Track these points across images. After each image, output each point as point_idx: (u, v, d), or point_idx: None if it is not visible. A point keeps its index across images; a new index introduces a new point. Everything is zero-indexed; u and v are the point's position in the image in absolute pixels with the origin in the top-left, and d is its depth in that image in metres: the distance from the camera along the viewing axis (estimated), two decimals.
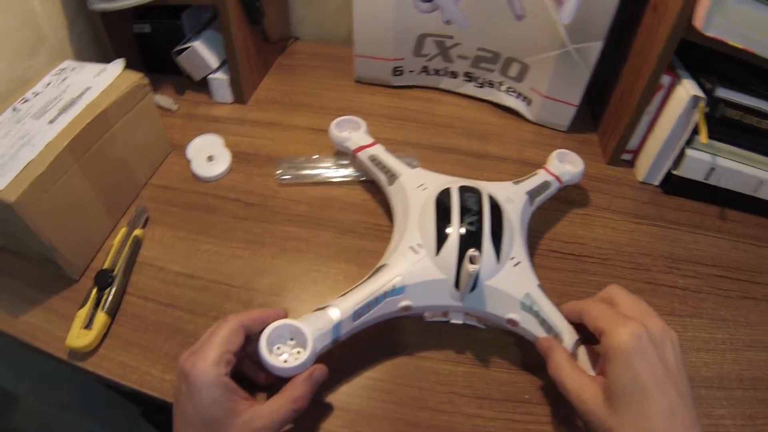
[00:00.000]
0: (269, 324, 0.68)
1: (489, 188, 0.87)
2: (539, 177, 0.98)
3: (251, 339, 0.68)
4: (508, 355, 0.82)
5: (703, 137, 0.97)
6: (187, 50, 1.21)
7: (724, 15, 0.87)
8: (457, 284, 0.76)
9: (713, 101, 0.98)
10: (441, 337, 0.84)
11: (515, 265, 0.79)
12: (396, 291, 0.75)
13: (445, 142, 1.21)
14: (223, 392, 0.61)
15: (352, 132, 1.08)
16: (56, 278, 0.89)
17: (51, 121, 0.84)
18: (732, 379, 0.82)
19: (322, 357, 0.70)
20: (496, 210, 0.82)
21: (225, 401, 0.61)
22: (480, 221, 0.79)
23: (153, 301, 0.87)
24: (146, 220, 0.99)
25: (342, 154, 1.12)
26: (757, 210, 1.08)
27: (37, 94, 0.90)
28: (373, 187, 1.07)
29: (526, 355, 0.82)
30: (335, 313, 0.71)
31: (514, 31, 1.15)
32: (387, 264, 0.78)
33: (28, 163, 0.77)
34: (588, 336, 0.68)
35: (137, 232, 0.94)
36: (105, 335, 0.82)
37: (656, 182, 1.13)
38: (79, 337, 0.78)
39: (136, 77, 0.96)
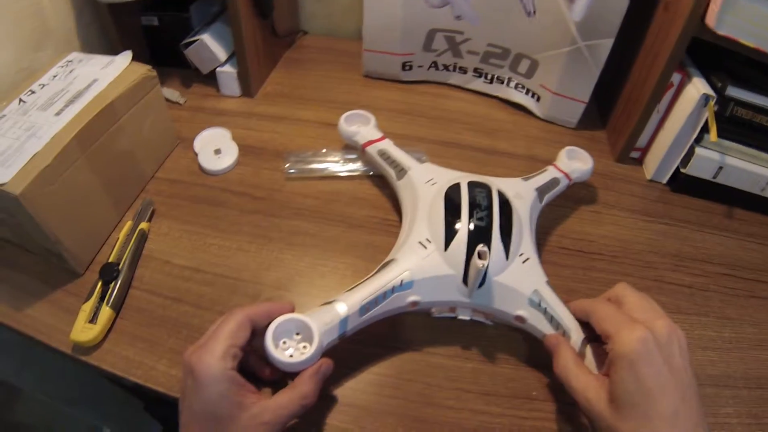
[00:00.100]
0: (275, 318, 0.67)
1: (498, 184, 0.87)
2: (548, 173, 0.98)
3: (257, 333, 0.68)
4: (516, 352, 0.82)
5: (712, 136, 0.96)
6: (196, 43, 1.20)
7: (736, 14, 0.87)
8: (465, 280, 0.75)
9: (723, 100, 0.98)
10: (448, 333, 0.84)
11: (524, 261, 0.79)
12: (404, 286, 0.75)
13: (454, 137, 1.21)
14: (230, 386, 0.61)
15: (361, 126, 1.08)
16: (61, 271, 0.88)
17: (57, 113, 0.84)
18: (738, 378, 0.82)
19: (328, 352, 0.70)
20: (505, 206, 0.82)
21: (232, 395, 0.61)
22: (489, 217, 0.79)
23: (158, 295, 0.87)
24: (152, 214, 0.99)
25: (350, 148, 1.12)
26: (765, 209, 1.08)
27: (43, 86, 0.90)
28: (381, 182, 1.07)
29: (534, 351, 0.82)
30: (342, 307, 0.71)
31: (524, 28, 1.15)
32: (395, 259, 0.77)
33: (34, 155, 0.77)
34: (595, 333, 0.67)
35: (143, 225, 0.94)
36: (110, 329, 0.81)
37: (664, 180, 1.13)
38: (83, 331, 0.78)
39: (143, 69, 0.96)
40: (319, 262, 0.93)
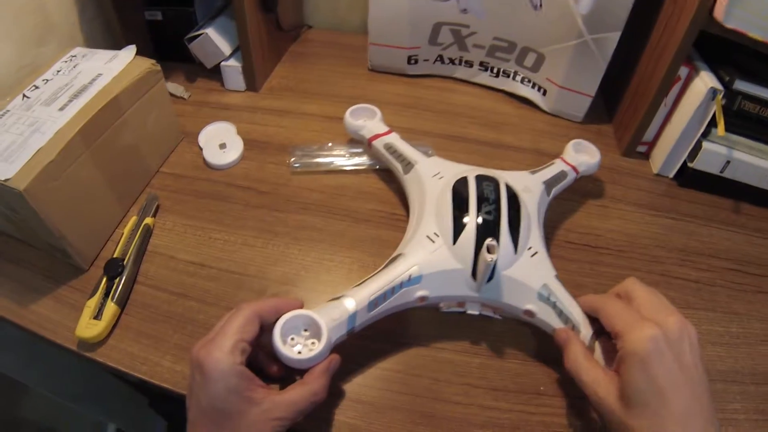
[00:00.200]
0: (283, 314, 0.67)
1: (506, 177, 0.86)
2: (556, 167, 0.98)
3: (265, 329, 0.67)
4: (524, 347, 0.82)
5: (720, 129, 0.96)
6: (200, 37, 1.20)
7: (744, 6, 0.86)
8: (474, 274, 0.75)
9: (731, 94, 0.97)
10: (456, 328, 0.83)
11: (532, 255, 0.78)
12: (413, 281, 0.74)
13: (460, 131, 1.21)
14: (240, 381, 0.60)
15: (367, 120, 1.07)
16: (65, 267, 0.88)
17: (61, 108, 0.84)
18: (746, 374, 0.81)
19: (336, 348, 0.70)
20: (513, 199, 0.82)
21: (242, 390, 0.60)
22: (497, 210, 0.78)
23: (164, 290, 0.87)
24: (157, 209, 0.98)
25: (356, 142, 1.12)
26: None
27: (47, 82, 0.90)
28: (387, 176, 1.06)
29: (542, 346, 0.82)
30: (350, 303, 0.70)
31: (530, 21, 1.14)
32: (403, 253, 0.77)
33: (38, 151, 0.77)
34: (603, 328, 0.67)
35: (148, 220, 0.94)
36: (114, 325, 0.81)
37: (671, 174, 1.12)
38: (88, 327, 0.78)
39: (147, 63, 0.96)
40: (325, 257, 0.93)
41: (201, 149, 1.10)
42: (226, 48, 1.23)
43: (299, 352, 0.66)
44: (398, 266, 0.75)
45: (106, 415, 1.59)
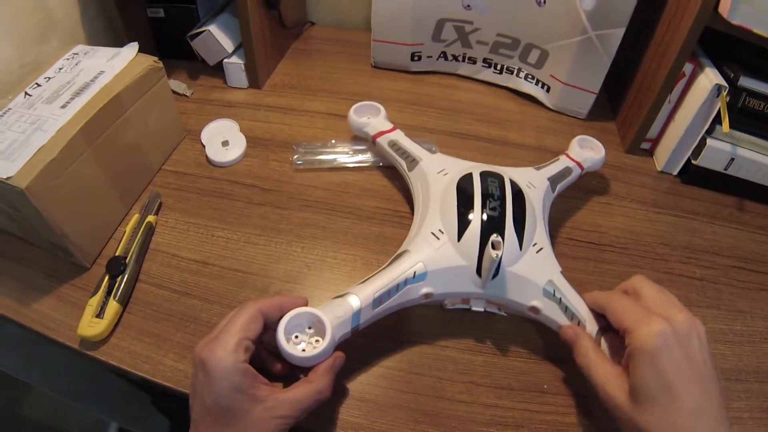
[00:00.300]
0: (287, 312, 0.66)
1: (510, 174, 0.86)
2: (561, 163, 0.97)
3: (268, 327, 0.67)
4: (527, 345, 0.82)
5: (725, 127, 0.95)
6: (202, 34, 1.20)
7: (749, 3, 0.86)
8: (479, 271, 0.75)
9: (736, 90, 0.97)
10: (460, 326, 0.83)
11: (537, 251, 0.78)
12: (417, 278, 0.74)
13: (464, 128, 1.21)
14: (243, 379, 0.60)
15: (371, 117, 1.07)
16: (67, 266, 0.88)
17: (63, 106, 0.83)
18: (750, 372, 0.81)
19: (340, 346, 0.69)
20: (518, 196, 0.81)
21: (246, 388, 0.60)
22: (502, 207, 0.78)
23: (166, 288, 0.87)
24: (159, 207, 0.98)
25: (359, 139, 1.11)
26: None
27: (49, 79, 0.89)
28: (391, 173, 1.06)
29: (546, 344, 0.81)
30: (355, 300, 0.70)
31: (534, 17, 1.14)
32: (408, 250, 0.77)
33: (39, 149, 0.76)
34: (609, 324, 0.67)
35: (150, 218, 0.93)
36: (117, 324, 0.81)
37: (675, 172, 1.12)
38: (90, 325, 0.78)
39: (150, 61, 0.95)
40: (329, 255, 0.93)
41: (204, 147, 1.10)
42: (228, 45, 1.23)
43: (303, 350, 0.66)
44: (403, 263, 0.75)
45: (108, 414, 1.59)
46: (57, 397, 1.41)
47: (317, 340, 0.67)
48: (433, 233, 0.78)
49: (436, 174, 0.89)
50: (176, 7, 1.25)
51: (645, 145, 1.17)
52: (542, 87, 1.26)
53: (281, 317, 0.66)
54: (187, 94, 1.25)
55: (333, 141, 1.12)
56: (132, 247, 0.88)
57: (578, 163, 0.98)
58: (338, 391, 0.73)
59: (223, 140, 1.10)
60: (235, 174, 1.06)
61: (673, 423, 0.55)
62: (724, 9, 0.88)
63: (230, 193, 1.02)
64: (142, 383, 0.79)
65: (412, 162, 0.95)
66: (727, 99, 0.96)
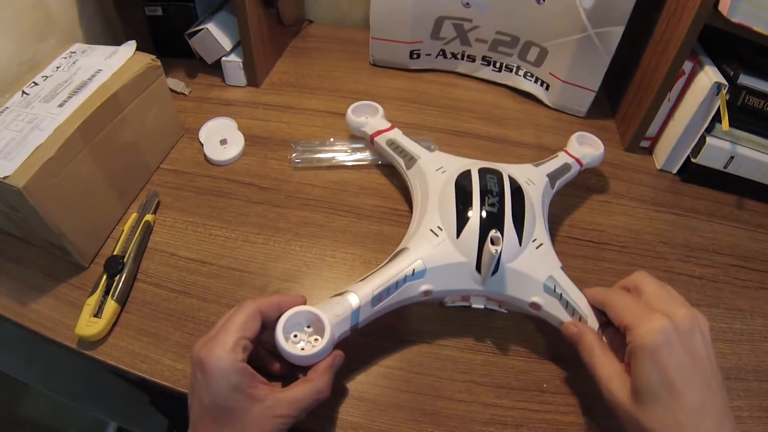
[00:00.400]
0: (286, 310, 0.66)
1: (509, 170, 0.86)
2: (560, 159, 0.97)
3: (267, 326, 0.67)
4: (527, 344, 0.82)
5: (724, 125, 0.95)
6: (200, 32, 1.19)
7: (749, 0, 0.86)
8: (478, 267, 0.75)
9: (735, 88, 0.97)
10: (459, 324, 0.83)
11: (537, 247, 0.78)
12: (416, 275, 0.74)
13: (463, 126, 1.21)
14: (242, 378, 0.60)
15: (369, 117, 1.07)
16: (65, 265, 0.88)
17: (61, 105, 0.83)
18: (749, 371, 0.81)
19: (339, 345, 0.69)
20: (517, 192, 0.81)
21: (244, 387, 0.60)
22: (501, 203, 0.78)
23: (164, 288, 0.86)
24: (157, 205, 0.98)
25: (358, 138, 1.11)
26: None
27: (46, 78, 0.89)
28: (389, 171, 1.06)
29: (545, 343, 0.81)
30: (354, 298, 0.70)
31: (533, 15, 1.14)
32: (407, 248, 0.76)
33: (37, 148, 0.76)
34: (610, 320, 0.67)
35: (148, 217, 0.93)
36: (115, 323, 0.81)
37: (674, 170, 1.12)
38: (88, 325, 0.77)
39: (147, 59, 0.95)
40: (327, 254, 0.92)
41: (202, 145, 1.10)
42: (226, 43, 1.23)
43: (302, 349, 0.66)
44: (402, 261, 0.74)
45: (106, 413, 1.59)
46: (55, 397, 1.41)
47: (316, 339, 0.67)
48: (431, 230, 0.78)
49: (435, 172, 0.89)
50: (174, 5, 1.24)
51: (644, 144, 1.16)
52: (541, 85, 1.26)
53: (279, 316, 0.66)
54: (185, 93, 1.25)
55: (331, 139, 1.12)
56: (130, 246, 0.88)
57: (577, 160, 0.98)
58: (337, 391, 0.73)
59: (222, 139, 1.10)
60: (234, 172, 1.06)
61: (676, 421, 0.55)
62: (723, 7, 0.87)
63: (228, 191, 1.02)
64: (141, 382, 0.79)
65: (411, 160, 0.94)
66: (727, 97, 0.96)
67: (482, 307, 0.77)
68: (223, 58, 1.24)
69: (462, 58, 1.33)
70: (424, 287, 0.74)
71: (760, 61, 0.98)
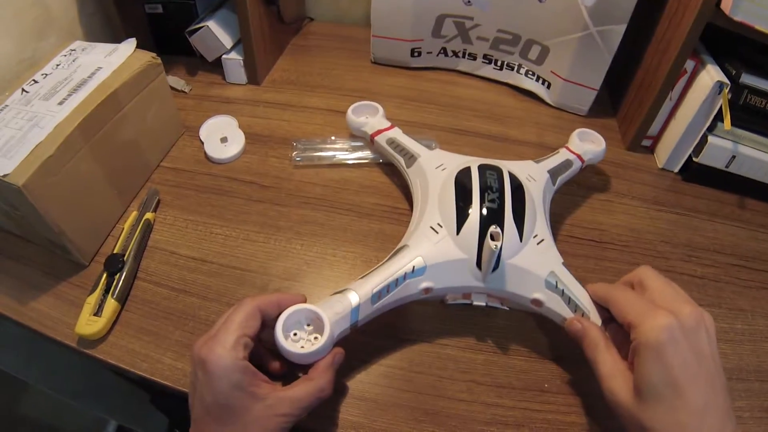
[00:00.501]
0: (286, 309, 0.66)
1: (510, 167, 0.86)
2: (561, 156, 0.97)
3: (266, 325, 0.67)
4: (528, 343, 0.81)
5: (726, 124, 0.95)
6: (201, 30, 1.19)
7: None
8: (479, 263, 0.74)
9: (737, 88, 0.97)
10: (460, 323, 0.83)
11: (538, 243, 0.78)
12: (416, 272, 0.73)
13: (464, 124, 1.20)
14: (243, 376, 0.60)
15: (369, 117, 1.07)
16: (65, 263, 0.88)
17: (60, 103, 0.83)
18: (750, 371, 0.81)
19: (339, 343, 0.69)
20: (517, 188, 0.81)
21: (246, 385, 0.60)
22: (501, 199, 0.78)
23: (164, 286, 0.86)
24: (157, 204, 0.98)
25: (358, 136, 1.11)
26: None
27: (46, 76, 0.89)
28: (390, 170, 1.06)
29: (547, 342, 0.81)
30: (354, 296, 0.69)
31: (535, 13, 1.14)
32: (407, 245, 0.76)
33: (36, 146, 0.76)
34: (613, 316, 0.66)
35: (148, 215, 0.93)
36: (115, 322, 0.80)
37: (676, 169, 1.12)
38: (88, 324, 0.77)
39: (148, 57, 0.95)
40: (328, 252, 0.92)
41: (202, 143, 1.10)
42: (227, 41, 1.22)
43: (302, 347, 0.65)
44: (402, 258, 0.74)
45: (106, 412, 1.59)
46: (55, 396, 1.41)
47: (316, 337, 0.66)
48: (432, 227, 0.78)
49: (435, 169, 0.89)
50: (174, 2, 1.24)
51: (646, 143, 1.16)
52: (543, 83, 1.26)
53: (279, 314, 0.65)
54: (186, 90, 1.24)
55: (332, 137, 1.12)
56: (130, 245, 0.88)
57: (578, 156, 0.98)
58: (338, 390, 0.73)
59: (222, 137, 1.09)
60: (234, 171, 1.06)
61: (679, 421, 0.54)
62: (726, 5, 0.87)
63: (229, 190, 1.02)
64: (141, 381, 0.79)
65: (411, 158, 0.94)
66: (729, 96, 0.96)
67: (483, 304, 0.77)
68: (224, 56, 1.24)
69: (463, 56, 1.33)
70: (424, 284, 0.74)
71: (762, 60, 0.98)
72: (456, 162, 0.88)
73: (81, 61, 0.92)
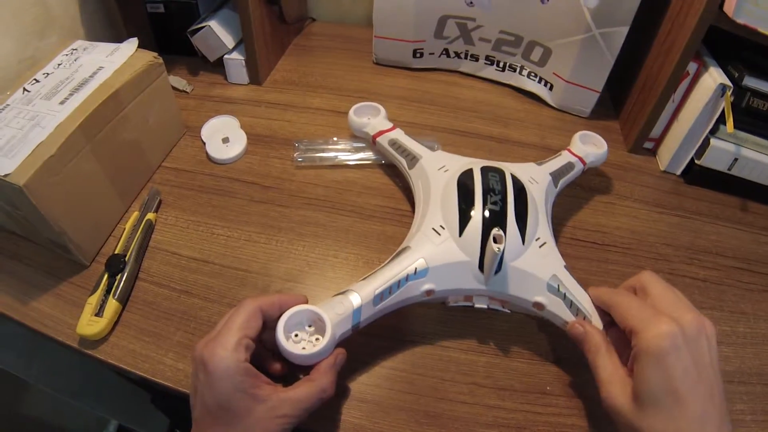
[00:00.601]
0: (287, 309, 0.66)
1: (512, 169, 0.85)
2: (563, 158, 0.97)
3: (268, 326, 0.66)
4: (530, 346, 0.81)
5: (729, 127, 0.95)
6: (203, 30, 1.19)
7: (755, 2, 0.86)
8: (481, 266, 0.74)
9: (740, 90, 0.96)
10: (462, 326, 0.83)
11: (541, 246, 0.77)
12: (419, 274, 0.73)
13: (466, 126, 1.20)
14: (245, 378, 0.59)
15: (371, 118, 1.07)
16: (66, 263, 0.88)
17: (62, 102, 0.83)
18: (752, 374, 0.81)
19: (340, 345, 0.69)
20: (520, 190, 0.81)
21: (247, 387, 0.59)
22: (504, 201, 0.77)
23: (166, 287, 0.86)
24: (159, 204, 0.97)
25: (360, 137, 1.11)
26: None
27: (48, 75, 0.89)
28: (392, 171, 1.06)
29: (549, 345, 0.81)
30: (356, 298, 0.69)
31: (537, 14, 1.13)
32: (409, 246, 0.76)
33: (38, 145, 0.76)
34: (614, 320, 0.66)
35: (150, 215, 0.93)
36: (116, 322, 0.80)
37: (678, 171, 1.11)
38: (89, 324, 0.77)
39: (149, 57, 0.95)
40: (330, 253, 0.92)
41: (204, 143, 1.09)
42: (229, 41, 1.22)
43: (303, 348, 0.65)
44: (404, 259, 0.74)
45: (107, 412, 1.59)
46: (56, 395, 1.41)
47: (317, 339, 0.66)
48: (434, 229, 0.77)
49: (437, 171, 0.88)
50: (176, 2, 1.24)
51: (648, 145, 1.16)
52: (545, 85, 1.26)
53: (281, 315, 0.65)
54: (187, 90, 1.24)
55: (334, 138, 1.11)
56: (131, 245, 0.87)
57: (580, 158, 0.98)
58: (339, 392, 0.73)
59: (224, 137, 1.09)
60: (236, 171, 1.05)
61: (678, 428, 0.54)
62: (729, 8, 0.87)
63: (230, 190, 1.02)
64: (142, 382, 0.79)
65: (413, 160, 0.94)
66: (732, 99, 0.96)
67: (485, 307, 0.77)
68: (226, 56, 1.24)
69: (465, 58, 1.33)
70: (426, 286, 0.74)
71: (765, 63, 0.98)
72: (458, 164, 0.87)
73: (82, 61, 0.92)
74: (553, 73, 1.22)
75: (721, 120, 0.98)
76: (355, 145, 1.10)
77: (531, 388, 0.77)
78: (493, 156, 1.10)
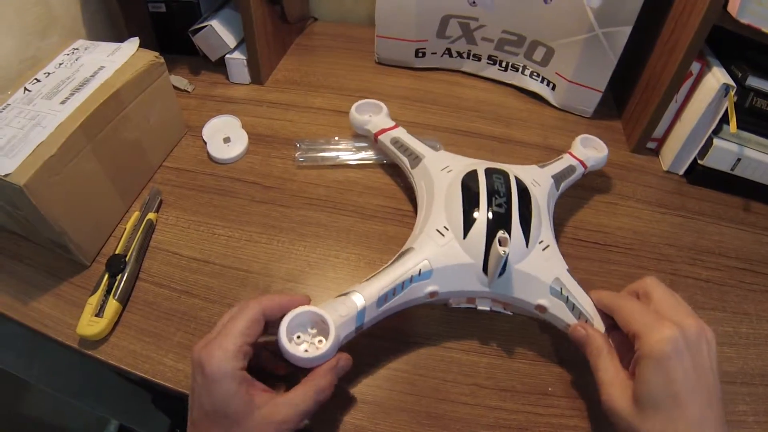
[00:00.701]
0: (289, 311, 0.65)
1: (515, 171, 0.85)
2: (564, 161, 0.97)
3: (270, 327, 0.66)
4: (532, 347, 0.81)
5: (732, 127, 0.95)
6: (204, 29, 1.19)
7: (759, 2, 0.85)
8: (485, 268, 0.74)
9: (743, 90, 0.96)
10: (464, 326, 0.82)
11: (544, 249, 0.77)
12: (423, 275, 0.73)
13: (468, 125, 1.20)
14: (240, 385, 0.59)
15: (373, 115, 1.07)
16: (67, 263, 0.87)
17: (63, 102, 0.83)
18: (755, 375, 0.80)
19: (343, 347, 0.68)
20: (523, 193, 0.81)
21: (243, 394, 0.59)
22: (508, 204, 0.77)
23: (166, 287, 0.86)
24: (160, 204, 0.97)
25: (362, 137, 1.11)
26: None
27: (49, 75, 0.89)
28: (394, 171, 1.06)
29: (550, 346, 0.81)
30: (359, 299, 0.69)
31: (540, 14, 1.13)
32: (413, 248, 0.76)
33: (38, 145, 0.75)
34: (615, 323, 0.67)
35: (151, 215, 0.93)
36: (116, 323, 0.80)
37: (681, 172, 1.11)
38: (89, 324, 0.77)
39: (150, 56, 0.95)
40: (331, 254, 0.92)
41: (205, 143, 1.09)
42: (230, 40, 1.22)
43: (306, 351, 0.65)
44: (408, 261, 0.74)
45: (108, 412, 1.59)
46: (57, 395, 1.41)
47: (320, 341, 0.65)
48: (438, 230, 0.77)
49: (440, 171, 0.88)
50: (178, 1, 1.24)
51: (651, 145, 1.16)
52: (548, 85, 1.26)
53: (283, 316, 0.65)
54: (189, 90, 1.24)
55: (336, 138, 1.11)
56: (132, 245, 0.87)
57: (581, 162, 0.98)
58: (340, 393, 0.73)
59: (225, 137, 1.09)
60: (237, 171, 1.05)
61: (676, 431, 0.55)
62: (733, 8, 0.87)
63: (232, 190, 1.01)
64: (143, 382, 0.78)
65: (415, 159, 0.94)
66: (735, 99, 0.95)
67: (488, 309, 0.77)
68: (227, 56, 1.24)
69: (468, 57, 1.33)
70: (430, 288, 0.73)
71: None
72: (462, 164, 0.87)
73: (83, 60, 0.92)
74: (556, 73, 1.21)
75: (725, 120, 0.98)
76: (357, 144, 1.10)
77: (533, 389, 0.76)
78: (495, 156, 1.09)
